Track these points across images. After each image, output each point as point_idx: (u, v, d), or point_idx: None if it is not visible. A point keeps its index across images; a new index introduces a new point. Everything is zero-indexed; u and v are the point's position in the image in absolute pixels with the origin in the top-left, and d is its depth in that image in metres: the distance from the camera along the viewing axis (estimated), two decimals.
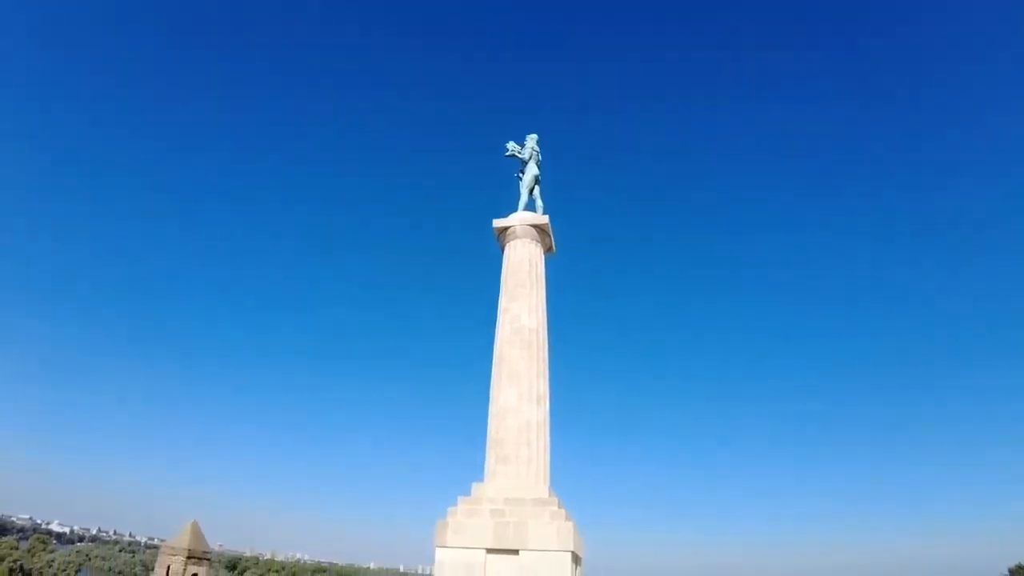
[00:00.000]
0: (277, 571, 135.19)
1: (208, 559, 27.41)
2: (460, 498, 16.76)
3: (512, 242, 19.92)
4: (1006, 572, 48.23)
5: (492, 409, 17.84)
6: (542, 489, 16.62)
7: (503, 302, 19.13)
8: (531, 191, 21.01)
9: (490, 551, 15.43)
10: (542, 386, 18.06)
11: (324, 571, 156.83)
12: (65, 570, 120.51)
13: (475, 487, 17.04)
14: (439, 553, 15.63)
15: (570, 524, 15.59)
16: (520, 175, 21.34)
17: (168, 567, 25.99)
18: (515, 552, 15.28)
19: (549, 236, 20.41)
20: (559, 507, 16.25)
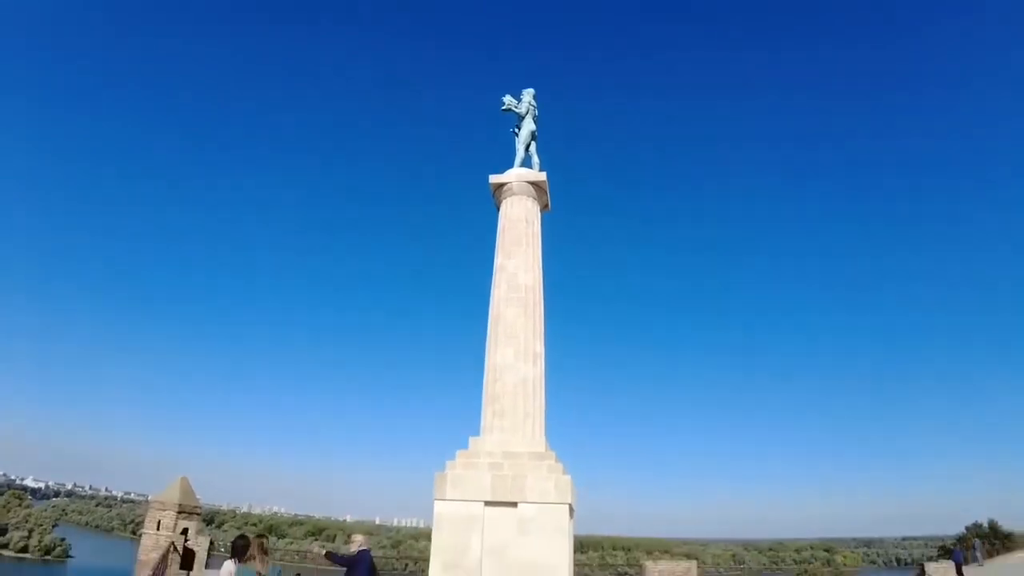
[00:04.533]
0: (255, 524, 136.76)
1: (198, 513, 27.58)
2: (458, 452, 17.03)
3: (508, 199, 19.76)
4: (962, 530, 50.60)
5: (488, 366, 17.98)
6: (539, 444, 16.96)
7: (499, 259, 19.09)
8: (527, 147, 20.71)
9: (488, 504, 15.77)
10: (538, 344, 18.23)
11: (301, 524, 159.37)
12: (42, 525, 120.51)
13: (472, 441, 17.31)
14: (438, 506, 15.93)
15: (567, 478, 15.98)
16: (516, 130, 20.99)
17: (159, 521, 26.09)
18: (513, 505, 15.65)
19: (545, 193, 20.28)
20: (556, 461, 16.62)
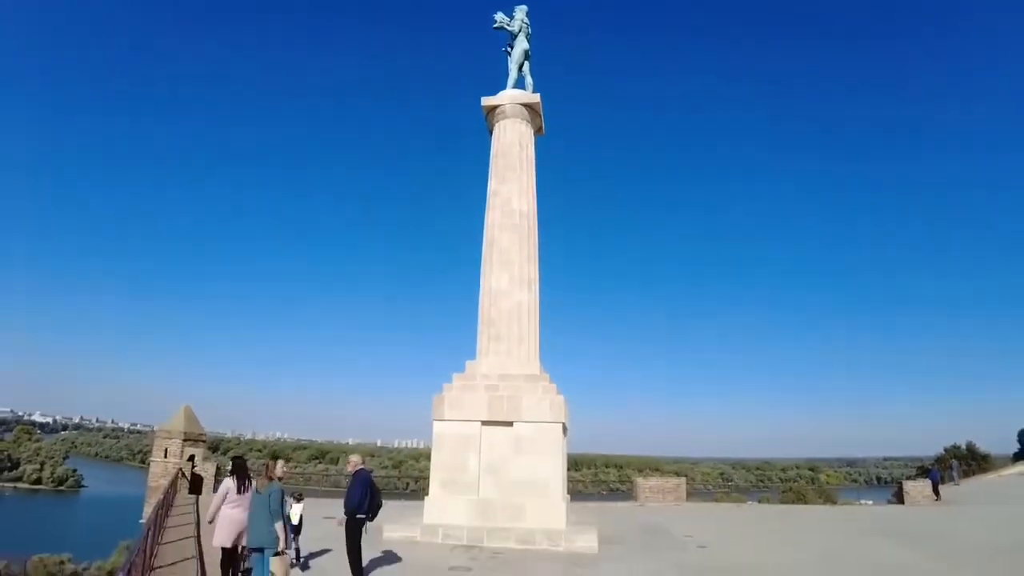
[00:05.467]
0: (259, 450, 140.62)
1: (203, 440, 28.34)
2: (455, 375, 17.36)
3: (501, 122, 19.30)
4: (941, 451, 52.21)
5: (484, 291, 18.07)
6: (533, 366, 17.29)
7: (492, 185, 18.83)
8: (520, 67, 20.03)
9: (485, 423, 16.22)
10: (532, 270, 18.26)
11: (304, 448, 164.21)
12: (53, 457, 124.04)
13: (469, 364, 17.63)
14: (437, 426, 16.38)
15: (561, 398, 16.37)
16: (509, 50, 20.24)
17: (166, 449, 26.82)
18: (509, 424, 16.09)
19: (539, 116, 19.80)
20: (550, 383, 16.99)
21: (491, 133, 19.78)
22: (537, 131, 20.18)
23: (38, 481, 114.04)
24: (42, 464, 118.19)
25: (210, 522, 9.18)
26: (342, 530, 10.45)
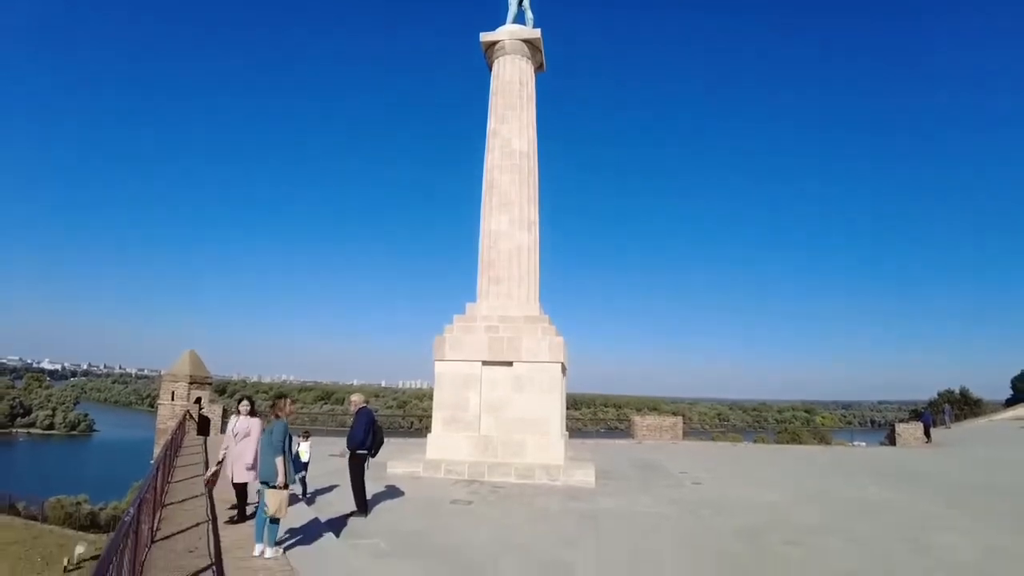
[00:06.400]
0: (265, 392, 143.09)
1: (209, 383, 28.78)
2: (456, 316, 17.47)
3: (501, 59, 18.73)
4: (935, 396, 52.81)
5: (483, 233, 17.96)
6: (533, 308, 17.37)
7: (492, 124, 18.43)
8: (520, 1, 19.33)
9: (485, 363, 16.42)
10: (532, 212, 18.09)
11: (310, 390, 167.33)
12: (64, 403, 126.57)
13: (469, 306, 17.71)
14: (438, 366, 16.59)
15: (560, 339, 16.50)
16: None
17: (172, 392, 27.28)
18: (509, 364, 16.28)
19: (540, 52, 19.20)
20: (549, 324, 17.11)
21: (491, 70, 19.25)
22: (538, 68, 19.62)
23: (51, 427, 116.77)
24: (53, 410, 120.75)
25: (219, 463, 9.43)
26: (347, 467, 10.74)
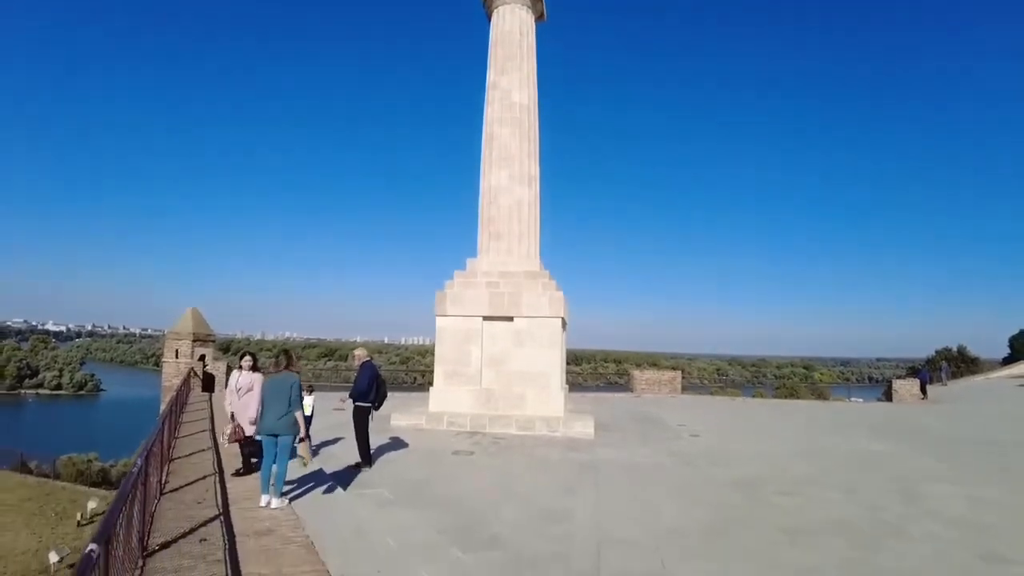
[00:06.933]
0: (269, 349, 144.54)
1: (212, 340, 29.01)
2: (456, 272, 17.44)
3: (500, 8, 18.17)
4: (933, 353, 53.10)
5: (483, 188, 17.77)
6: (533, 263, 17.33)
7: (491, 76, 18.02)
8: None
9: (486, 318, 16.48)
10: (533, 166, 17.86)
11: (314, 347, 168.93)
12: (70, 364, 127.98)
13: (470, 262, 17.67)
14: (440, 321, 16.67)
15: (560, 294, 16.51)
16: None
17: (176, 351, 27.52)
18: (510, 319, 16.35)
19: (541, 1, 18.65)
20: (549, 279, 17.09)
21: (489, 20, 18.72)
22: (539, 17, 19.07)
23: (58, 387, 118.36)
24: (60, 371, 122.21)
25: (232, 419, 9.56)
26: (351, 420, 10.89)
